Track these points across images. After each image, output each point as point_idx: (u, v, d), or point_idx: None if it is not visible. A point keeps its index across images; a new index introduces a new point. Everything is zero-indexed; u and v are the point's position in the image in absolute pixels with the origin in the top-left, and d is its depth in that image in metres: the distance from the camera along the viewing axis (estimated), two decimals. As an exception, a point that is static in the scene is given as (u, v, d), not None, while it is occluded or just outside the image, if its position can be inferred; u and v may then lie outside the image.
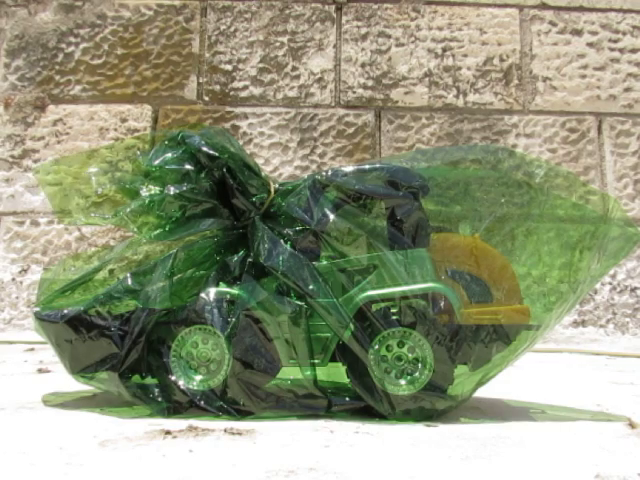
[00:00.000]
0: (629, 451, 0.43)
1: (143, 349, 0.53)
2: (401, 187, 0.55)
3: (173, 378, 0.53)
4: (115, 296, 0.55)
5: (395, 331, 0.51)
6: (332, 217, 0.55)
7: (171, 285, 0.54)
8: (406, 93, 1.46)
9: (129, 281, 0.55)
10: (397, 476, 0.37)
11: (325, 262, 0.54)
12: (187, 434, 0.45)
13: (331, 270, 0.53)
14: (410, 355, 0.52)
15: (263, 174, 0.58)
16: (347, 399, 0.53)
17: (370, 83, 1.46)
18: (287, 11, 1.47)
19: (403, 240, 0.54)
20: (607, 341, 1.30)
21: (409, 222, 0.54)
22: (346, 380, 0.54)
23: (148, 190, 0.55)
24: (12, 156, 1.42)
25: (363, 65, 1.46)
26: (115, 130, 1.43)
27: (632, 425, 0.51)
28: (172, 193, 0.55)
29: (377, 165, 0.58)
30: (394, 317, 0.52)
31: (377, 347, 0.52)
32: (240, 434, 0.45)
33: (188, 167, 0.56)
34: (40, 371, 0.77)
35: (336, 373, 0.54)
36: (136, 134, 1.43)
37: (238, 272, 0.55)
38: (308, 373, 0.53)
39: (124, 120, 1.43)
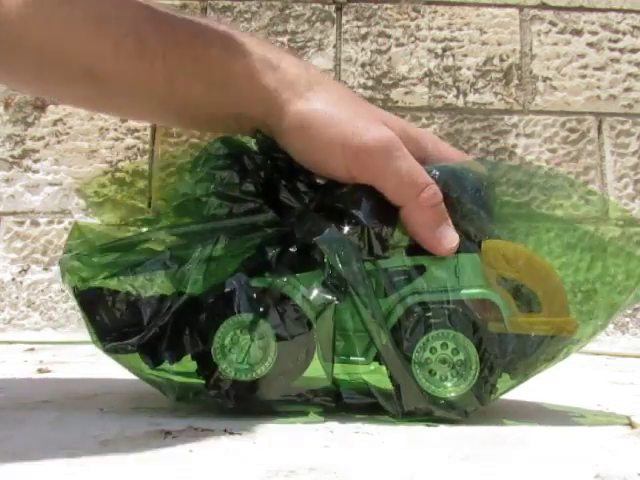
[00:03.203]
0: (629, 451, 0.43)
1: (178, 332, 0.51)
2: (453, 192, 0.52)
3: (223, 366, 0.50)
4: (150, 269, 0.52)
5: (441, 333, 0.50)
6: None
7: (208, 270, 0.52)
8: (406, 93, 1.46)
9: (167, 257, 0.52)
10: (397, 476, 0.37)
11: (371, 259, 0.52)
12: (187, 434, 0.45)
13: (376, 269, 0.52)
14: (455, 358, 0.50)
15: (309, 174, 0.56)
16: (357, 394, 0.53)
17: (370, 83, 1.46)
18: (287, 11, 1.48)
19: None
20: (607, 341, 1.30)
21: (464, 225, 0.52)
22: (362, 376, 0.53)
23: (193, 192, 0.54)
24: (12, 156, 1.42)
25: (363, 65, 1.47)
26: (115, 130, 1.43)
27: (632, 425, 0.51)
28: (217, 192, 0.53)
29: (429, 167, 0.55)
30: (441, 319, 0.51)
31: (421, 349, 0.50)
32: (240, 434, 0.46)
33: (233, 170, 0.54)
34: (40, 371, 0.77)
35: (353, 370, 0.54)
36: (136, 134, 1.43)
37: (275, 262, 0.53)
38: (328, 369, 0.52)
39: (124, 120, 1.44)
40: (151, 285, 0.53)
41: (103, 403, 0.56)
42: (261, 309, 0.51)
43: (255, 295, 0.51)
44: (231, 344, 0.51)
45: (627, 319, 1.38)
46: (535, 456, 0.42)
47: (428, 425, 0.50)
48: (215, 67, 0.52)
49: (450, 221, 0.52)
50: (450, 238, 0.51)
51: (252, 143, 0.57)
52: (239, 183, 0.54)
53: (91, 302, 0.52)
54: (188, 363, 0.53)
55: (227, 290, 0.52)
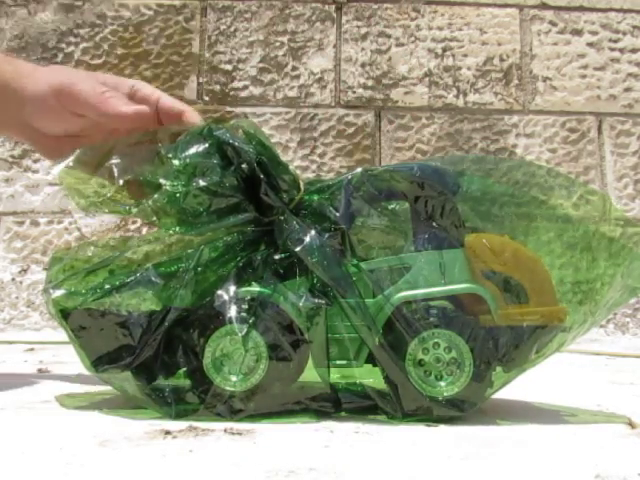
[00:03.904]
0: (629, 451, 0.43)
1: (170, 347, 0.51)
2: (434, 189, 0.53)
3: (217, 380, 0.50)
4: (136, 288, 0.52)
5: (432, 332, 0.50)
6: (365, 217, 0.54)
7: (195, 282, 0.52)
8: (406, 93, 1.46)
9: (151, 274, 0.52)
10: (397, 476, 0.37)
11: (355, 262, 0.52)
12: (187, 434, 0.45)
13: (361, 270, 0.52)
14: (448, 356, 0.50)
15: (292, 170, 0.56)
16: (356, 397, 0.53)
17: (370, 83, 1.46)
18: (287, 11, 1.48)
19: (438, 239, 0.52)
20: (607, 341, 1.30)
21: (445, 221, 0.53)
22: (359, 379, 0.53)
23: (172, 183, 0.53)
24: (12, 156, 1.42)
25: (363, 65, 1.46)
26: (115, 130, 1.43)
27: (632, 425, 0.51)
28: (198, 186, 0.52)
29: (411, 165, 0.55)
30: (430, 318, 0.50)
31: (413, 349, 0.50)
32: (240, 434, 0.45)
33: (215, 161, 0.53)
34: (40, 371, 0.77)
35: (350, 373, 0.53)
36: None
37: (261, 270, 0.52)
38: (325, 375, 0.52)
39: (124, 120, 1.43)
40: (139, 303, 0.53)
41: (103, 403, 0.56)
42: (250, 318, 0.50)
43: (243, 305, 0.51)
44: (223, 356, 0.51)
45: (627, 319, 1.38)
46: (535, 456, 0.42)
47: (428, 425, 0.50)
48: None
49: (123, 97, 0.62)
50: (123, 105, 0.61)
51: (240, 132, 0.56)
52: (221, 175, 0.53)
53: (80, 326, 0.52)
54: (182, 378, 0.53)
55: (215, 302, 0.51)
